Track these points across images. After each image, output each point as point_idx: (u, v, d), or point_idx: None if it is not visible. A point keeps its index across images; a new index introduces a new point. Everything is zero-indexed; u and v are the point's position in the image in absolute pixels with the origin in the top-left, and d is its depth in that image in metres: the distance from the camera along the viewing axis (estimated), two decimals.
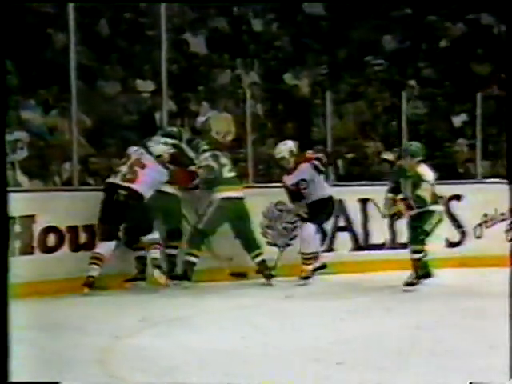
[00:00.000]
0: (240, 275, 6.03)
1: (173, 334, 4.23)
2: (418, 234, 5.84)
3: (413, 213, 5.87)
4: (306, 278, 6.10)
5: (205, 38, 8.55)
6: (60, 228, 5.57)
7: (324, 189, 6.23)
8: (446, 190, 6.71)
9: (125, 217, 5.54)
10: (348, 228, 6.83)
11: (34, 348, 3.64)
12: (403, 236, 6.62)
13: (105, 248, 5.50)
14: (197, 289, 5.73)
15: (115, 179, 5.57)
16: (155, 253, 5.65)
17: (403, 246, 6.52)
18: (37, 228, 5.43)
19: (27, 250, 5.34)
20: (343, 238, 6.78)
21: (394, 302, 5.26)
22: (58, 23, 6.76)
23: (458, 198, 7.05)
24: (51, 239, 5.53)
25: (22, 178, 5.80)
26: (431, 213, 5.83)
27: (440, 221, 5.94)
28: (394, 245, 6.87)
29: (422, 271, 5.88)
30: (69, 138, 5.94)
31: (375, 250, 6.84)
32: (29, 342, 3.54)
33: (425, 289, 5.77)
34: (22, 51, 6.07)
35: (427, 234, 5.86)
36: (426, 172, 5.88)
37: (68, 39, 5.90)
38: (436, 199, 5.92)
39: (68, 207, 5.60)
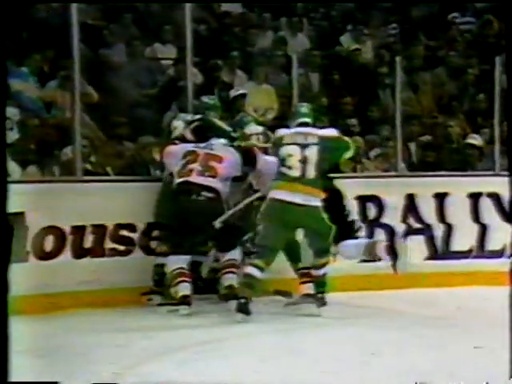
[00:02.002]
0: (284, 294, 6.02)
1: (195, 363, 4.25)
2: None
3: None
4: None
5: None
6: (61, 229, 5.67)
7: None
8: None
9: (204, 225, 5.61)
10: (422, 231, 6.81)
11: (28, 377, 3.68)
12: (495, 242, 6.57)
13: (180, 262, 5.60)
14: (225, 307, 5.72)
15: (189, 178, 5.67)
16: (231, 278, 5.62)
17: (495, 254, 6.48)
18: (31, 229, 5.53)
19: (19, 257, 5.43)
20: (416, 244, 6.74)
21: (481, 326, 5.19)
22: None
23: None
24: (50, 243, 5.63)
25: (13, 166, 5.89)
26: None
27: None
28: (482, 252, 6.84)
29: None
30: (70, 116, 6.01)
31: (458, 258, 6.82)
32: (21, 370, 3.59)
33: None
34: (8, 7, 6.16)
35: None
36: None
37: None
38: None
39: (69, 203, 5.68)
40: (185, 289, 5.57)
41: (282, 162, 5.35)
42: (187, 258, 5.63)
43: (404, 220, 6.74)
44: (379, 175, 7.09)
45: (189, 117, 6.11)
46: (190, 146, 5.86)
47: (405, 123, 7.09)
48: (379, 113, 7.71)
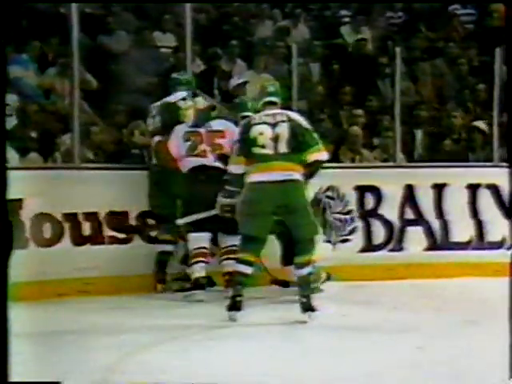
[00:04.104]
0: (281, 284, 5.98)
1: (194, 352, 4.25)
2: None
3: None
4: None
5: None
6: (57, 216, 5.69)
7: None
8: None
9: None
10: (421, 221, 6.79)
11: (23, 365, 3.66)
12: (494, 233, 6.55)
13: (203, 240, 5.62)
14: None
15: (205, 161, 5.69)
16: (231, 265, 5.38)
17: (494, 245, 6.47)
18: (29, 216, 5.55)
19: (18, 244, 5.41)
20: (415, 235, 6.75)
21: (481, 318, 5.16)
22: None
23: None
24: (48, 230, 5.65)
25: (11, 153, 5.89)
26: None
27: None
28: (482, 244, 6.83)
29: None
30: (69, 103, 6.02)
31: (457, 249, 6.80)
32: (16, 357, 3.57)
33: None
34: None
35: None
36: None
37: None
38: None
39: (67, 190, 5.69)
40: (200, 270, 5.57)
41: (254, 141, 5.12)
42: (209, 235, 5.63)
43: (402, 210, 6.73)
44: (378, 165, 7.08)
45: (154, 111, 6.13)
46: (186, 127, 5.83)
47: (404, 114, 7.07)
48: (378, 103, 7.69)
